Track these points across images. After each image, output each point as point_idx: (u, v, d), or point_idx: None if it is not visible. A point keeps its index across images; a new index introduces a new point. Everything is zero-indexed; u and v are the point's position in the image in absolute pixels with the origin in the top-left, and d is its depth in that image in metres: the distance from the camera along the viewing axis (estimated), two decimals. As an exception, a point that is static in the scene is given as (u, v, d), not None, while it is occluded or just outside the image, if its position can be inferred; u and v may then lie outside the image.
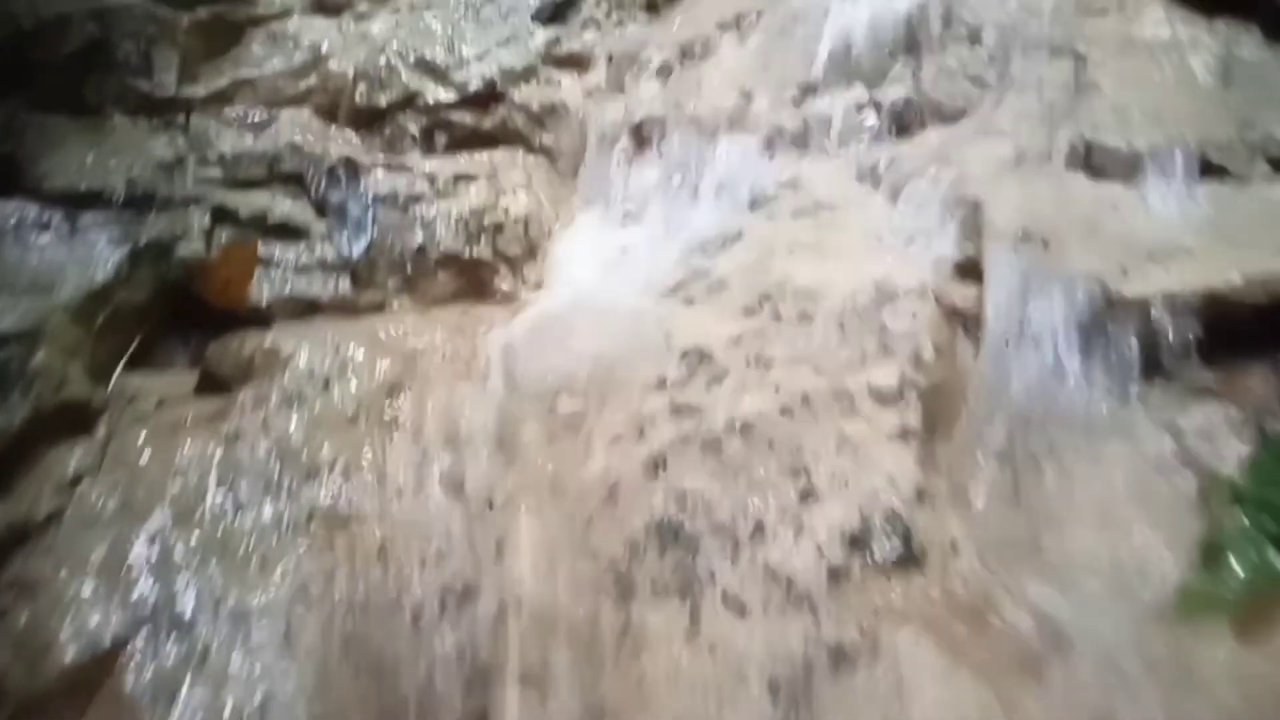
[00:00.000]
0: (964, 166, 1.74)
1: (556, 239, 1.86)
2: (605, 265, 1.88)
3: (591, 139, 2.05)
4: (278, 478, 1.16)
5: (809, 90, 2.09)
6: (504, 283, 1.74)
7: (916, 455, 1.31)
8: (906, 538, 1.20)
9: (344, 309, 1.55)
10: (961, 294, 1.54)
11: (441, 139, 1.96)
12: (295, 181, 1.73)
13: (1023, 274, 1.46)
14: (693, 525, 1.25)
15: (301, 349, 1.34)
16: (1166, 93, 1.76)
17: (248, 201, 1.64)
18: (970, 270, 1.56)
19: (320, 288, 1.55)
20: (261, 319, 1.48)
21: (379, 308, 1.59)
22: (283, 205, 1.67)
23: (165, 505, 1.09)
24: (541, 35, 2.15)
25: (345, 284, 1.57)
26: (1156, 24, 1.91)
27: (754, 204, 1.89)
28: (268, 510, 1.13)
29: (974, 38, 2.05)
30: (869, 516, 1.22)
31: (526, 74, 2.05)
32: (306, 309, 1.52)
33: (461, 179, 1.80)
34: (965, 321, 1.51)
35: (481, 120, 1.97)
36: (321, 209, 1.68)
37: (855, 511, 1.23)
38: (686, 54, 2.29)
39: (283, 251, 1.57)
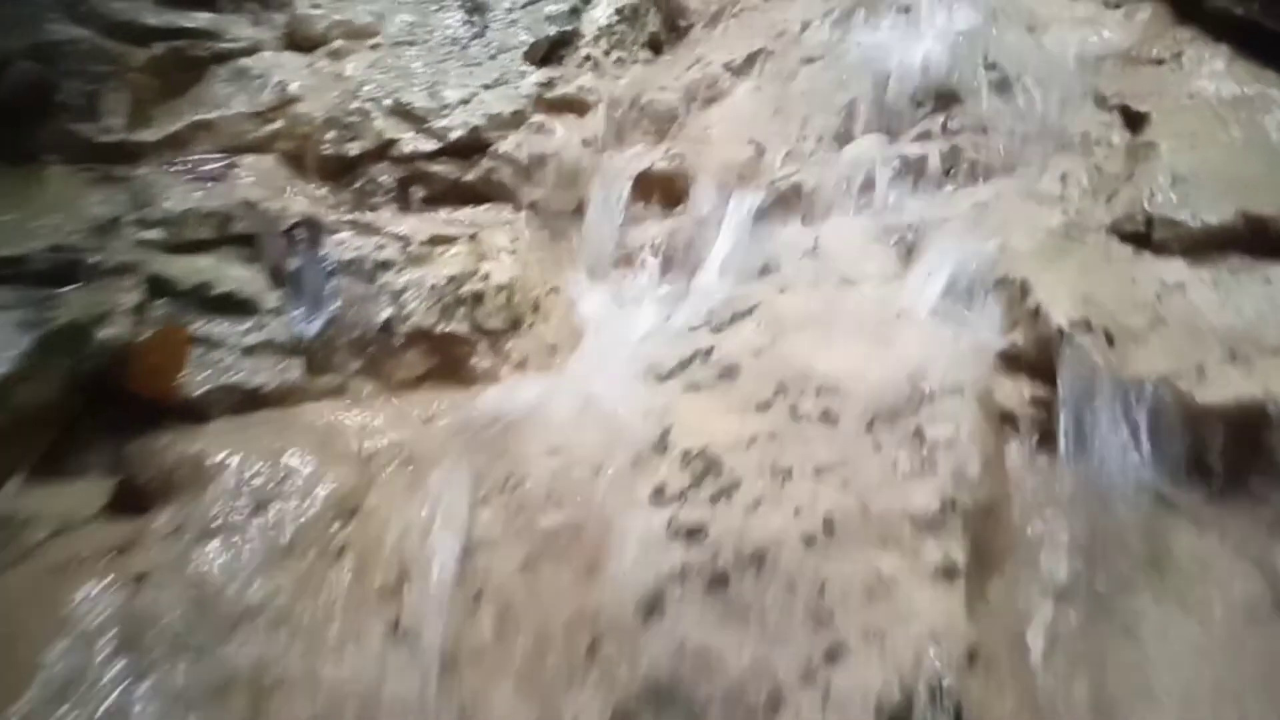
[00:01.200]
0: (1005, 235, 1.54)
1: (544, 309, 1.65)
2: (598, 339, 1.67)
3: (585, 194, 1.85)
4: (191, 632, 0.95)
5: (827, 142, 1.89)
6: (482, 361, 1.53)
7: (964, 600, 1.09)
8: (957, 716, 0.98)
9: (293, 400, 1.33)
10: (1009, 393, 1.33)
11: (419, 193, 1.76)
12: (248, 244, 1.52)
13: (1086, 377, 1.26)
14: (695, 689, 1.03)
15: (234, 458, 1.13)
16: (1235, 156, 1.56)
17: (190, 269, 1.44)
18: (1018, 363, 1.36)
19: (267, 374, 1.34)
20: (195, 414, 1.26)
21: (336, 394, 1.38)
22: (231, 273, 1.46)
23: (36, 685, 0.87)
24: (534, 77, 1.96)
25: (296, 369, 1.36)
26: (1219, 77, 1.71)
27: (766, 271, 1.69)
28: (178, 676, 0.92)
29: (1013, 88, 1.85)
30: (910, 685, 1.00)
31: (516, 120, 1.85)
32: (248, 401, 1.30)
33: (438, 241, 1.60)
34: (1015, 427, 1.30)
35: (464, 172, 1.77)
36: (276, 277, 1.47)
37: (894, 678, 1.01)
38: (693, 98, 2.09)
39: (226, 330, 1.36)
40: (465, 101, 1.84)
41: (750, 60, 2.12)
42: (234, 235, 1.54)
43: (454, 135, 1.78)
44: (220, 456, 1.15)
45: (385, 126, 1.78)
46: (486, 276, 1.58)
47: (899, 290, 1.55)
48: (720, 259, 1.75)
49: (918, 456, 1.23)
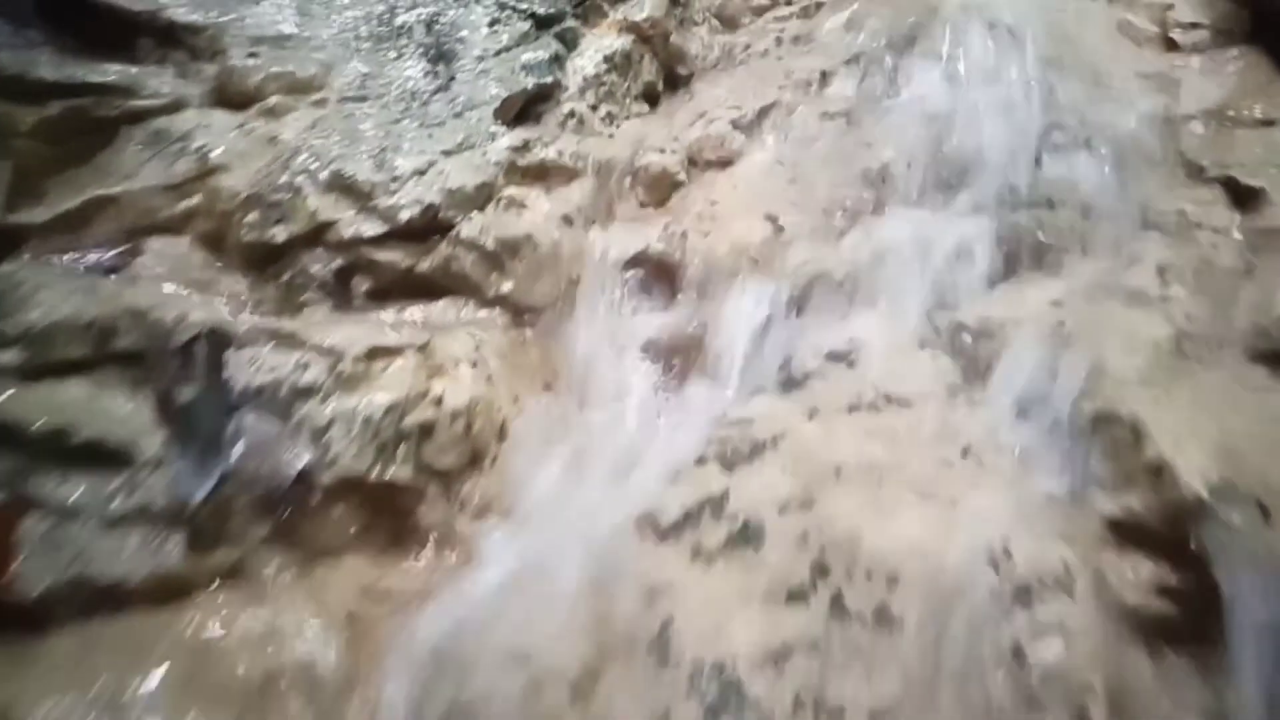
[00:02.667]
0: (1099, 350, 1.21)
1: (515, 437, 1.32)
2: (582, 472, 1.34)
3: (567, 284, 1.52)
4: None
5: (858, 218, 1.57)
6: (431, 513, 1.20)
7: None
8: None
9: (167, 594, 1.00)
10: (1130, 580, 0.99)
11: (361, 286, 1.43)
12: (135, 365, 1.20)
13: (1242, 567, 0.92)
14: None
15: (57, 707, 0.79)
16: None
17: (48, 405, 1.10)
18: (1138, 537, 1.02)
19: (133, 558, 1.00)
20: (28, 623, 0.93)
21: (230, 578, 1.04)
22: (105, 408, 1.13)
23: None
24: (506, 140, 1.64)
25: (176, 548, 1.02)
26: (1347, 143, 1.40)
27: (791, 384, 1.36)
28: None
29: (1081, 152, 1.54)
30: None
31: (482, 195, 1.52)
32: (104, 600, 0.96)
33: (378, 354, 1.26)
34: (1145, 633, 0.96)
35: (417, 261, 1.45)
36: (164, 412, 1.14)
37: None
38: (696, 161, 1.77)
39: (86, 494, 1.02)
40: (421, 172, 1.52)
41: (762, 115, 1.81)
42: (117, 353, 1.20)
43: (405, 215, 1.45)
44: (34, 699, 0.81)
45: (320, 205, 1.45)
46: (439, 400, 1.25)
47: (962, 418, 1.22)
48: (734, 366, 1.42)
49: (1017, 689, 0.89)
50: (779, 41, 2.02)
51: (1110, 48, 1.78)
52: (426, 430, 1.22)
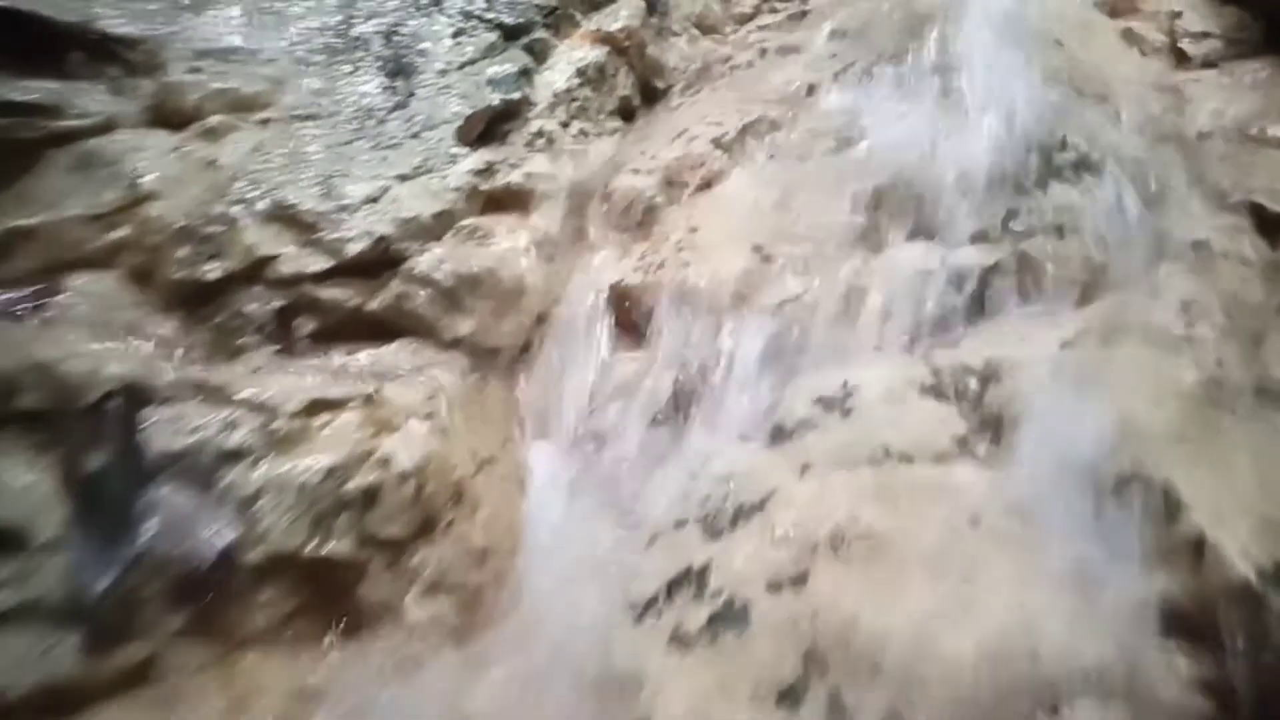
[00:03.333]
0: (1118, 397, 1.09)
1: (472, 495, 1.18)
2: (550, 537, 1.21)
3: (533, 322, 1.39)
4: None
5: (851, 248, 1.44)
6: (375, 589, 1.06)
7: None
8: None
9: (56, 707, 0.86)
10: (1172, 678, 0.87)
11: (305, 327, 1.29)
12: (38, 427, 1.06)
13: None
14: None
15: None
16: None
17: (-69, 478, 0.97)
18: (1178, 625, 0.89)
19: (18, 665, 0.86)
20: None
21: (132, 685, 0.90)
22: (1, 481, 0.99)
23: None
24: (468, 162, 1.51)
25: (70, 650, 0.88)
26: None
27: (779, 435, 1.23)
28: None
29: (1094, 175, 1.42)
30: None
31: (441, 224, 1.39)
32: (-22, 719, 0.83)
33: (319, 409, 1.13)
34: (1190, 744, 0.84)
35: (366, 299, 1.31)
36: (68, 483, 1.01)
37: None
38: (676, 183, 1.65)
39: (-34, 586, 0.89)
40: (373, 200, 1.38)
41: (746, 133, 1.68)
42: (18, 413, 1.06)
43: (353, 249, 1.31)
44: None
45: (259, 238, 1.31)
46: (386, 461, 1.11)
47: (972, 478, 1.10)
48: (718, 412, 1.30)
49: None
50: (763, 52, 1.90)
51: (1117, 60, 1.67)
52: (371, 496, 1.09)
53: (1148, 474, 0.97)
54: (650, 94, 1.89)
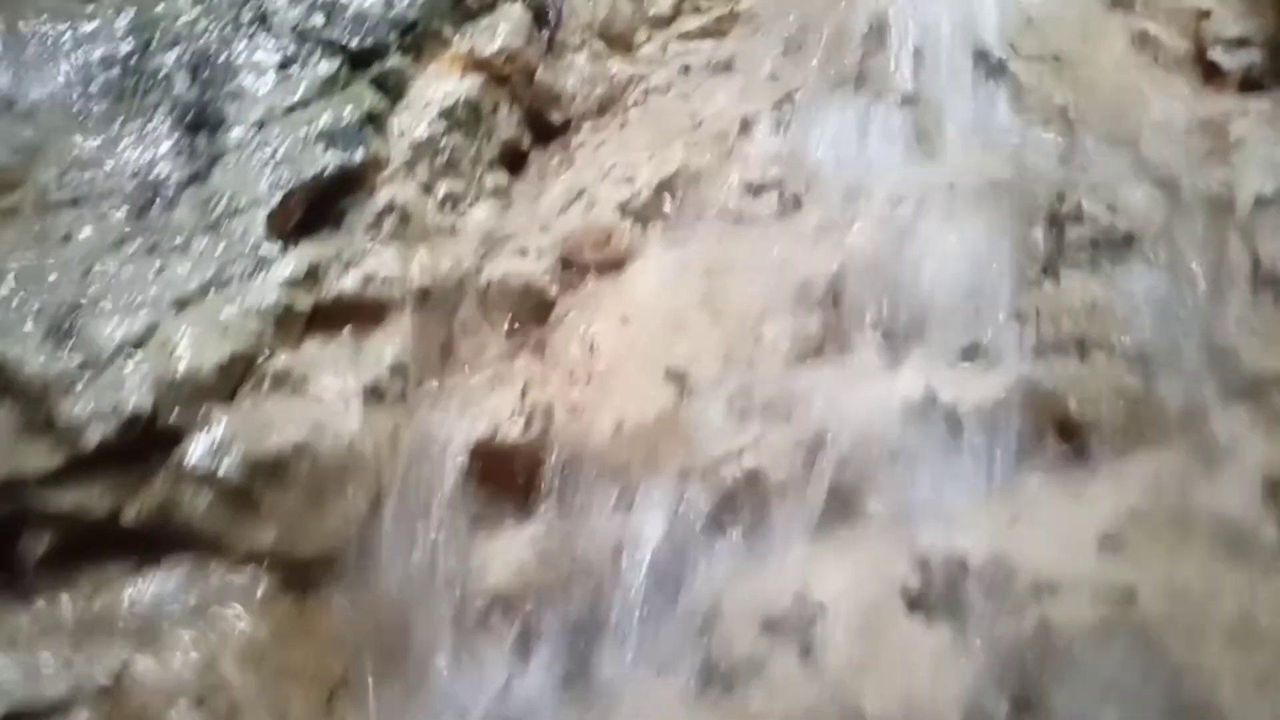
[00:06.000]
0: (1190, 646, 0.75)
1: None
2: None
3: (368, 506, 1.00)
4: None
5: (802, 369, 1.07)
6: None
7: None
8: None
9: None
10: None
11: (35, 551, 0.89)
12: None
13: None
14: None
15: None
16: None
17: None
18: None
19: None
20: None
21: None
22: None
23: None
24: (282, 268, 1.10)
25: None
26: None
27: (710, 681, 0.87)
28: None
29: (1117, 256, 1.06)
30: None
31: (233, 376, 0.99)
32: None
33: (22, 722, 0.75)
34: None
35: (119, 505, 0.91)
36: None
37: None
38: (573, 264, 1.26)
39: None
40: (135, 346, 0.98)
41: (663, 192, 1.29)
42: None
43: (97, 435, 0.91)
44: None
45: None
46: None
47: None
48: (623, 635, 0.94)
49: None
50: (685, 70, 1.50)
51: (1131, 77, 1.30)
52: None
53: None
54: (543, 130, 1.48)
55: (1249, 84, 1.27)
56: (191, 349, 0.99)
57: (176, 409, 0.95)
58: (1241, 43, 1.31)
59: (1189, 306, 1.01)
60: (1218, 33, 1.33)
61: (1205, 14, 1.35)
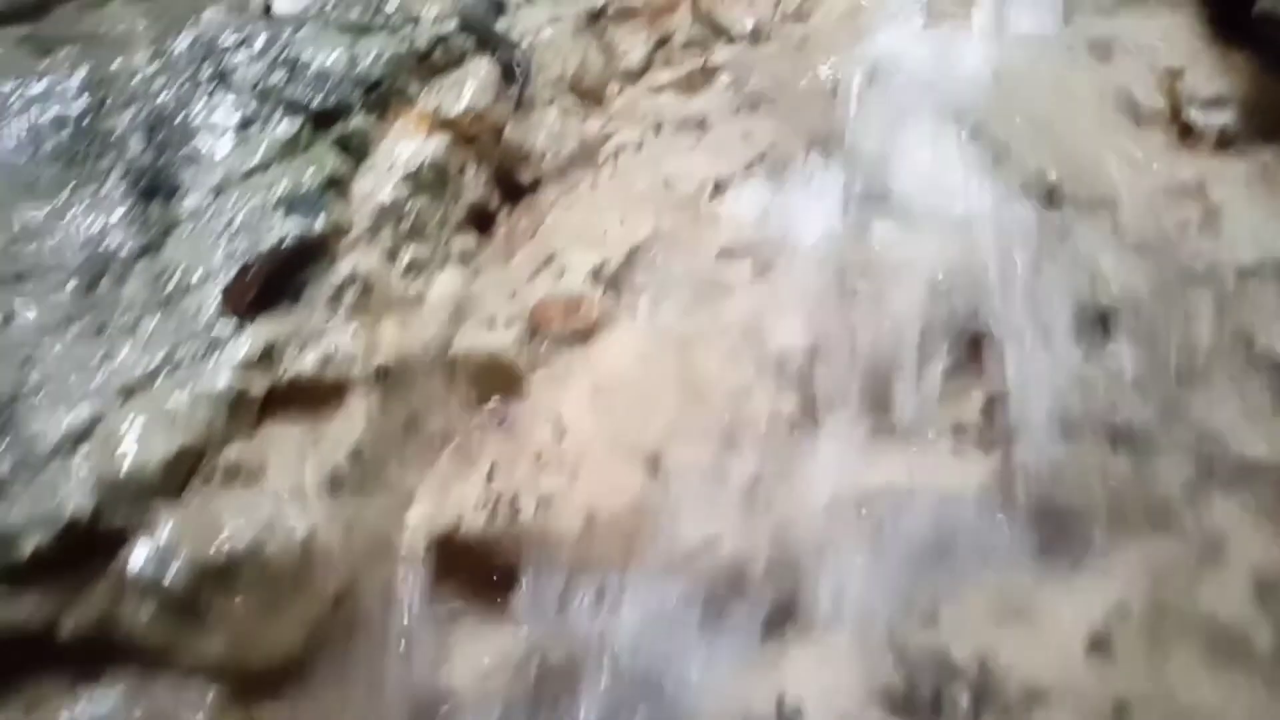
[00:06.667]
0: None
1: None
2: None
3: (328, 610, 0.95)
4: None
5: (781, 450, 1.03)
6: None
7: None
8: None
9: None
10: None
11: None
12: None
13: None
14: None
15: None
16: None
17: None
18: None
19: None
20: None
21: None
22: None
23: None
24: (237, 347, 1.04)
25: None
26: None
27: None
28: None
29: (1098, 334, 1.03)
30: None
31: (181, 470, 0.93)
32: None
33: None
34: None
35: (56, 617, 0.86)
36: None
37: None
38: (542, 335, 1.22)
39: None
40: (77, 440, 0.93)
41: (634, 260, 1.25)
42: None
43: (33, 542, 0.86)
44: None
45: None
46: None
47: None
48: (596, 743, 0.90)
49: None
50: (657, 129, 1.46)
51: (1107, 134, 1.28)
52: None
53: None
54: (512, 189, 1.44)
55: (1224, 143, 1.26)
56: (138, 443, 0.94)
57: (119, 510, 0.90)
58: (1216, 102, 1.29)
59: (1174, 386, 0.98)
60: (1192, 91, 1.31)
61: (1179, 72, 1.34)
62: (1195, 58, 1.37)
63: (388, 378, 1.13)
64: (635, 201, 1.34)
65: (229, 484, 0.97)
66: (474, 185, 1.40)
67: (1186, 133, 1.30)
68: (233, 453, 0.99)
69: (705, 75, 1.54)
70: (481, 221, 1.40)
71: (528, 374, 1.18)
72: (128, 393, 0.99)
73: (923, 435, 1.02)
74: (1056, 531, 0.93)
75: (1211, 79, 1.32)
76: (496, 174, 1.43)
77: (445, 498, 1.02)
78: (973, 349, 1.07)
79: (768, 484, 1.00)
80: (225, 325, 1.09)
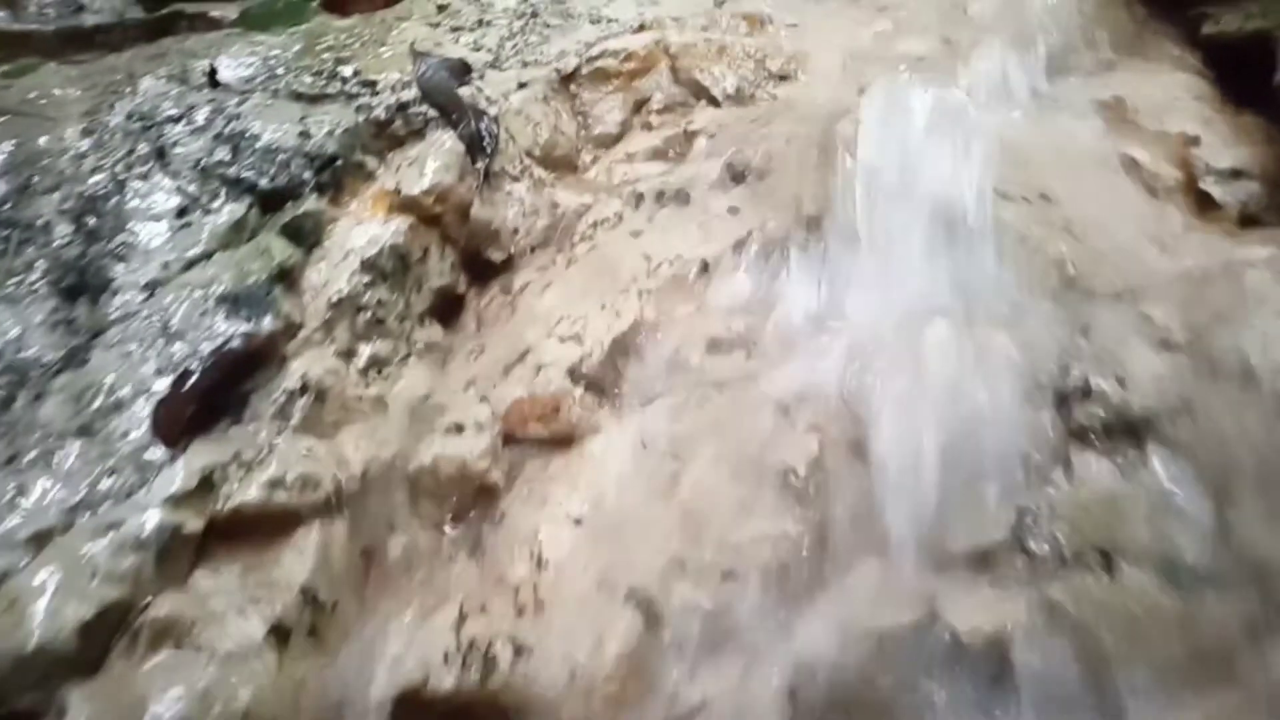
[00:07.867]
0: None
1: None
2: None
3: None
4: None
5: (788, 589, 0.92)
6: None
7: None
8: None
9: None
10: None
11: None
12: None
13: None
14: None
15: None
16: None
17: None
18: None
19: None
20: None
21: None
22: None
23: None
24: (169, 479, 0.92)
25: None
26: None
27: None
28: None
29: (1132, 442, 0.94)
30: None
31: (100, 635, 0.80)
32: None
33: None
34: None
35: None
36: None
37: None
38: (517, 440, 1.10)
39: None
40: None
41: (617, 354, 1.14)
42: None
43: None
44: None
45: None
46: None
47: None
48: None
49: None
50: (636, 201, 1.35)
51: (1124, 211, 1.20)
52: None
53: None
54: (481, 270, 1.33)
55: (1248, 219, 1.18)
56: (48, 607, 0.81)
57: (25, 693, 0.77)
58: (1236, 174, 1.21)
59: (1212, 502, 0.89)
60: (1209, 162, 1.23)
61: (1193, 140, 1.26)
62: (1207, 124, 1.29)
63: (345, 500, 1.01)
64: (616, 285, 1.23)
65: (157, 646, 0.84)
66: (439, 270, 1.28)
67: (1205, 205, 1.22)
68: (163, 606, 0.86)
69: (686, 139, 1.44)
70: (448, 308, 1.29)
71: (501, 487, 1.07)
72: (40, 541, 0.86)
73: (944, 569, 0.91)
74: (1101, 679, 0.82)
75: (1228, 148, 1.24)
76: (463, 255, 1.32)
77: (410, 647, 0.90)
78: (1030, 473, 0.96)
79: (768, 627, 0.89)
80: (157, 452, 0.96)
